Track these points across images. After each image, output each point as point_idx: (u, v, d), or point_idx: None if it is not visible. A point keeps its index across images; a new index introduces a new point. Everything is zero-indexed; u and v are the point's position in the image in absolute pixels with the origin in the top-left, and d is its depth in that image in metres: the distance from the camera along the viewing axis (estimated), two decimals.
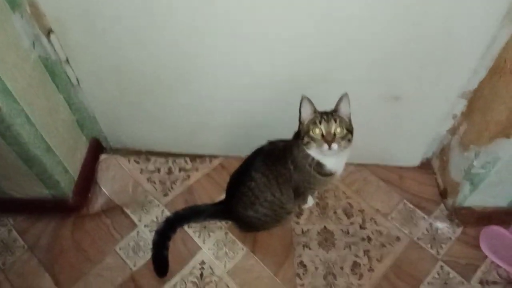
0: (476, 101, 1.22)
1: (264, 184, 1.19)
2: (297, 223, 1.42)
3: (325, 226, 1.41)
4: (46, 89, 1.21)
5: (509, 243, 1.34)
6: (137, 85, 1.28)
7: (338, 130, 1.04)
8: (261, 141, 1.24)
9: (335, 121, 1.04)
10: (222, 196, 1.37)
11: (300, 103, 1.06)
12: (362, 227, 1.42)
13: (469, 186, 1.29)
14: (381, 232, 1.40)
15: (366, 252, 1.36)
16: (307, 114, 1.08)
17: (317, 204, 1.46)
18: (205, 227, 1.40)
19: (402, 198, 1.48)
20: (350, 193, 1.49)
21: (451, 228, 1.40)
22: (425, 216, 1.44)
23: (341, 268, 1.33)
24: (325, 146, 1.03)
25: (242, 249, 1.36)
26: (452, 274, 1.31)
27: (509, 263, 1.29)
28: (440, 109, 1.29)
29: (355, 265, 1.33)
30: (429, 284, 1.29)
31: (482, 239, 1.35)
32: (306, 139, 1.07)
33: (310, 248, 1.37)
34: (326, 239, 1.39)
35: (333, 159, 1.10)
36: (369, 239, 1.39)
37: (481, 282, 1.29)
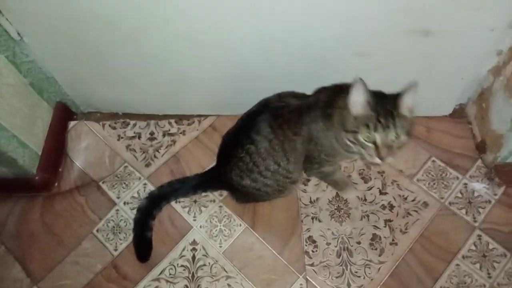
0: None
1: (266, 149, 0.95)
2: (304, 191, 1.20)
3: (337, 193, 1.19)
4: None
5: None
6: (94, 34, 1.02)
7: (397, 139, 0.80)
8: (258, 96, 0.99)
9: (395, 127, 0.79)
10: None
11: (351, 87, 0.79)
12: (382, 192, 1.19)
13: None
14: (405, 197, 1.18)
15: (387, 222, 1.15)
16: (358, 105, 0.80)
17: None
18: (195, 202, 1.20)
19: (430, 154, 1.24)
20: None
21: (490, 189, 1.17)
22: (459, 176, 1.21)
23: (358, 242, 1.13)
24: (376, 159, 0.81)
25: (240, 225, 1.17)
26: (492, 244, 1.11)
27: None
28: (481, 43, 1.01)
29: (375, 238, 1.13)
30: (464, 258, 1.10)
31: None
32: (350, 139, 0.83)
33: (320, 221, 1.16)
34: (339, 209, 1.17)
35: None
36: (391, 206, 1.17)
37: None
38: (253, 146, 0.96)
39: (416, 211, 1.16)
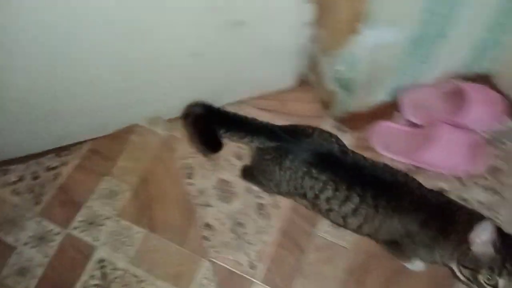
0: (322, 2, 1.12)
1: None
2: (190, 184, 1.32)
3: (219, 178, 1.32)
4: None
5: (398, 134, 1.34)
6: None
7: None
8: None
9: None
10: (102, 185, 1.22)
11: (478, 225, 0.76)
12: None
13: (345, 92, 1.24)
14: None
15: None
16: (481, 245, 0.76)
17: (204, 156, 1.35)
18: (91, 223, 1.26)
19: (288, 122, 1.40)
20: None
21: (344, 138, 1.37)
22: None
23: (247, 214, 1.26)
24: None
25: (140, 232, 1.25)
26: None
27: (403, 155, 1.30)
28: (289, 19, 1.17)
29: (260, 207, 1.28)
30: None
31: (372, 138, 1.33)
32: (465, 275, 0.79)
33: (211, 206, 1.28)
34: (224, 190, 1.31)
35: None
36: None
37: None
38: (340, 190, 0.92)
39: None
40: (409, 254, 0.98)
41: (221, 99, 1.34)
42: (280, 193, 1.12)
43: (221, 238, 1.24)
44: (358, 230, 0.98)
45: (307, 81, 1.44)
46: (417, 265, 1.09)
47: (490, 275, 0.74)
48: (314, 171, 0.93)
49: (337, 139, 1.02)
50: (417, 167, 1.29)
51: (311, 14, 1.16)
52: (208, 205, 1.29)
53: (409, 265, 1.10)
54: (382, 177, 0.92)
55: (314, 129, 1.01)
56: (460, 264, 0.79)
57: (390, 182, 0.91)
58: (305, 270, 1.18)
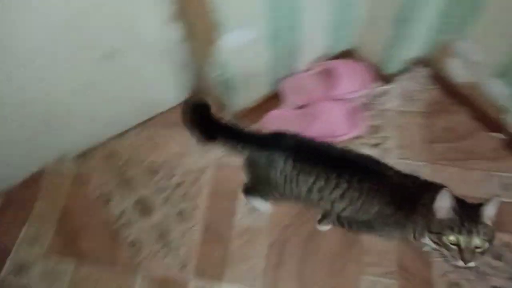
0: (185, 20, 1.25)
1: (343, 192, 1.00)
2: (110, 209, 1.39)
3: (137, 196, 1.41)
4: None
5: (287, 118, 1.49)
6: None
7: (480, 245, 0.85)
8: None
9: (479, 234, 0.84)
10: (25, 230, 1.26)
11: (438, 194, 0.87)
12: (171, 176, 1.44)
13: (230, 92, 1.37)
14: (191, 170, 1.45)
15: (184, 195, 1.40)
16: (444, 210, 0.87)
17: (120, 181, 1.42)
18: (21, 268, 1.29)
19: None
20: (145, 152, 1.49)
21: None
22: None
23: (169, 222, 1.35)
24: (460, 262, 0.86)
25: (70, 265, 1.30)
26: None
27: None
28: (159, 42, 1.29)
29: (181, 212, 1.37)
30: None
31: (267, 127, 1.47)
32: (434, 240, 0.89)
33: (134, 223, 1.36)
34: (144, 207, 1.39)
35: None
36: (182, 182, 1.43)
37: None
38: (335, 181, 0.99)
39: (198, 178, 1.44)
40: (379, 230, 1.06)
41: (126, 123, 1.44)
42: (280, 197, 1.14)
43: (150, 250, 1.31)
44: (341, 212, 1.06)
45: (199, 90, 1.56)
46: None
47: (452, 235, 0.84)
48: (306, 166, 1.01)
49: None
50: None
51: (180, 32, 1.29)
52: (131, 223, 1.36)
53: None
54: (366, 164, 1.02)
55: (297, 133, 1.08)
56: (428, 231, 0.89)
57: (373, 169, 1.01)
58: (233, 256, 1.29)
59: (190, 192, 1.41)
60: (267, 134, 1.09)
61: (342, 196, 1.00)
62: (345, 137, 1.44)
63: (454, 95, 1.49)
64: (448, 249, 0.86)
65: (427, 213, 0.90)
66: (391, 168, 1.02)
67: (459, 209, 0.86)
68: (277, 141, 1.05)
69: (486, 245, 0.85)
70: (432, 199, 0.88)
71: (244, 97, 1.43)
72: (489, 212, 0.85)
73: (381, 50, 1.46)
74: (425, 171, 1.34)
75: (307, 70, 1.52)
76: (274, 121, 1.49)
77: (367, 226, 1.06)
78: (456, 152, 1.40)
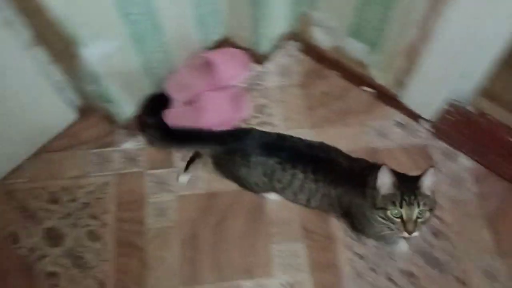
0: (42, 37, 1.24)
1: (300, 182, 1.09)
2: (19, 247, 1.36)
3: (44, 228, 1.39)
4: None
5: (179, 115, 1.50)
6: None
7: (421, 214, 0.92)
8: None
9: (419, 205, 0.91)
10: None
11: (378, 172, 0.93)
12: (74, 200, 1.43)
13: (112, 103, 1.39)
14: (92, 189, 1.45)
15: (91, 216, 1.41)
16: (385, 186, 0.93)
17: (24, 216, 1.40)
18: None
19: (85, 150, 1.52)
20: (44, 181, 1.47)
21: (136, 143, 1.53)
22: (115, 148, 1.52)
23: (81, 246, 1.36)
24: (404, 233, 0.92)
25: None
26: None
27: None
28: (26, 66, 1.27)
29: (90, 233, 1.38)
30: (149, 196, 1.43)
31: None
32: (380, 215, 0.95)
33: (46, 255, 1.35)
34: (53, 236, 1.38)
35: None
36: (87, 203, 1.43)
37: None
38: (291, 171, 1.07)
39: (103, 192, 1.44)
40: (361, 226, 1.11)
41: (20, 156, 1.40)
42: (255, 186, 1.22)
43: (67, 277, 1.32)
44: (308, 204, 1.14)
45: (87, 107, 1.55)
46: (401, 247, 1.27)
47: (395, 209, 0.91)
48: (262, 158, 1.09)
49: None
50: None
51: (44, 53, 1.27)
52: (44, 256, 1.35)
53: (398, 249, 1.28)
54: (317, 154, 1.09)
55: (251, 128, 1.19)
56: (374, 208, 0.95)
57: (324, 158, 1.08)
58: (150, 262, 1.33)
59: (96, 211, 1.42)
60: (227, 131, 1.18)
61: (301, 187, 1.07)
62: (234, 121, 1.51)
63: (324, 61, 1.60)
64: (393, 222, 0.93)
65: (373, 192, 0.96)
66: (340, 154, 1.11)
67: (399, 184, 0.92)
68: (237, 137, 1.14)
69: (427, 214, 0.92)
70: (375, 179, 0.95)
71: (131, 104, 1.45)
72: (427, 182, 0.92)
73: (250, 33, 1.53)
74: (310, 135, 1.43)
75: (186, 65, 1.56)
76: (167, 121, 1.51)
77: (350, 223, 1.16)
78: (334, 113, 1.52)
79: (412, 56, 1.31)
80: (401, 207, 0.91)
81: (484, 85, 1.41)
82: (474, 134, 1.46)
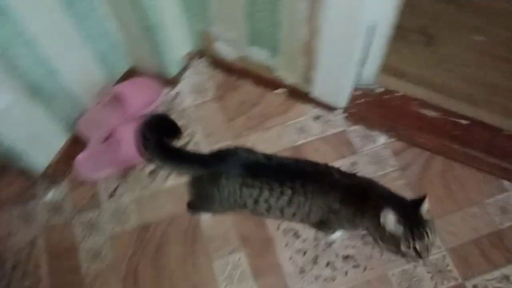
0: None
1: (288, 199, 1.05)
2: None
3: None
4: None
5: (97, 155, 1.49)
6: None
7: (432, 241, 0.94)
8: None
9: (428, 235, 0.92)
10: None
11: (382, 216, 0.93)
12: (3, 262, 1.37)
13: (22, 156, 1.34)
14: (21, 247, 1.39)
15: (23, 275, 1.35)
16: (391, 226, 0.93)
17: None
18: None
19: (7, 210, 1.45)
20: None
21: (59, 190, 1.48)
22: (38, 201, 1.47)
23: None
24: (419, 260, 0.96)
25: None
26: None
27: (111, 166, 1.47)
28: None
29: (23, 274, 1.34)
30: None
31: (81, 173, 1.47)
32: (392, 249, 0.97)
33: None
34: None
35: None
36: (17, 263, 1.37)
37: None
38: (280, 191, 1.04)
39: (31, 252, 1.38)
40: (335, 227, 1.19)
41: None
42: (225, 210, 1.24)
43: None
44: (292, 218, 1.12)
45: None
46: (336, 234, 1.31)
47: (408, 245, 0.92)
48: (249, 180, 1.05)
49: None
50: (128, 168, 1.48)
51: None
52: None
53: (332, 236, 1.31)
54: (305, 168, 1.09)
55: (237, 147, 1.13)
56: (382, 241, 0.97)
57: (312, 171, 1.08)
58: None
59: (28, 269, 1.36)
60: (210, 154, 1.13)
61: (289, 202, 1.06)
62: None
63: (234, 72, 1.64)
64: (408, 254, 0.95)
65: (374, 216, 0.96)
66: (330, 167, 1.10)
67: (403, 220, 0.92)
68: (219, 159, 1.09)
69: (434, 238, 0.94)
70: (379, 203, 0.96)
71: (42, 155, 1.41)
72: (425, 209, 0.94)
73: (155, 59, 1.54)
74: (234, 145, 1.45)
75: (97, 103, 1.54)
76: (85, 164, 1.48)
77: (321, 225, 1.16)
78: (253, 119, 1.55)
79: (309, 53, 1.36)
80: (413, 241, 0.93)
81: (384, 63, 1.50)
82: (385, 112, 1.53)
